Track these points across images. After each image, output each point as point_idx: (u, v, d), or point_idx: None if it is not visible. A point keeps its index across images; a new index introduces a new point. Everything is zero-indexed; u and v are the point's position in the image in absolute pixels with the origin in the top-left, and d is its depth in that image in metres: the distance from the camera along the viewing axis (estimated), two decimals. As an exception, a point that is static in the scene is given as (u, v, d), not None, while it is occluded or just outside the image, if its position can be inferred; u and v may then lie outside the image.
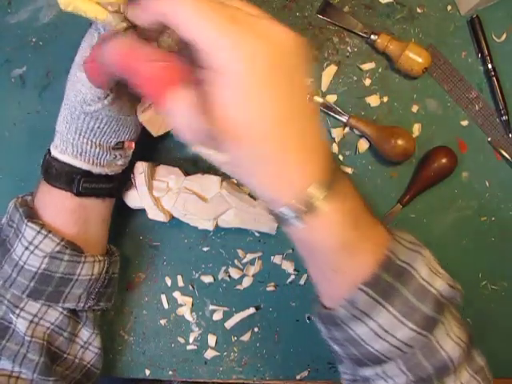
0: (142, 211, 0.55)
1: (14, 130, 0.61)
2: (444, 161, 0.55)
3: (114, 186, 0.51)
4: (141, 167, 0.53)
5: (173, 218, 0.55)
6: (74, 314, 0.50)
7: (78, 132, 0.46)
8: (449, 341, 0.37)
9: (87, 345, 0.51)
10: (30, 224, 0.46)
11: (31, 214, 0.47)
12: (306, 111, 0.33)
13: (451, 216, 0.58)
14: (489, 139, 0.58)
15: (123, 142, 0.49)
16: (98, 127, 0.46)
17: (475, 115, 0.58)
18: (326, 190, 0.33)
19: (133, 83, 0.34)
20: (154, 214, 0.54)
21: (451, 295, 0.38)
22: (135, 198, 0.54)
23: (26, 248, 0.46)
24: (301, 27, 0.60)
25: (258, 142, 0.31)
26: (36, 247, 0.46)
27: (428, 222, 0.58)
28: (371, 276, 0.36)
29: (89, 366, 0.52)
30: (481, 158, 0.58)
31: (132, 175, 0.53)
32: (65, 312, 0.49)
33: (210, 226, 0.54)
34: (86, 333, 0.51)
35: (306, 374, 0.57)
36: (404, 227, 0.58)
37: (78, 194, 0.47)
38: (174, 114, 0.33)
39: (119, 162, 0.50)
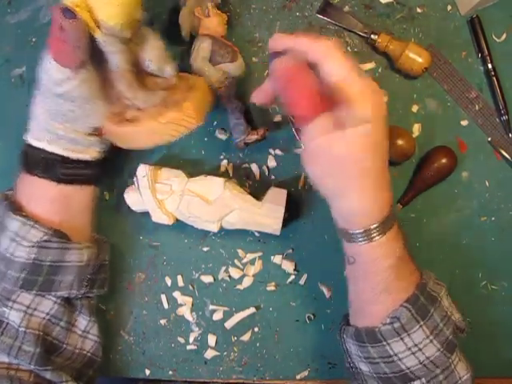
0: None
1: (14, 130, 0.61)
2: (444, 161, 0.55)
3: (95, 172, 0.51)
4: (144, 170, 0.53)
5: (177, 220, 0.55)
6: (68, 303, 0.50)
7: (52, 117, 0.46)
8: (461, 366, 0.44)
9: (85, 333, 0.51)
10: (14, 216, 0.46)
11: (14, 207, 0.48)
12: (385, 166, 0.42)
13: (451, 216, 0.58)
14: (489, 139, 0.58)
15: (98, 129, 0.49)
16: (72, 111, 0.46)
17: (475, 115, 0.58)
18: (387, 227, 0.43)
19: (288, 95, 0.41)
20: (158, 217, 0.54)
21: (463, 327, 0.46)
22: (138, 201, 0.54)
23: (13, 240, 0.46)
24: (301, 27, 0.60)
25: (355, 170, 0.41)
26: (23, 238, 0.46)
27: (428, 222, 0.58)
28: (412, 296, 0.43)
29: (89, 354, 0.52)
30: (481, 157, 0.58)
31: (135, 178, 0.53)
32: (58, 301, 0.49)
33: (214, 228, 0.54)
34: (83, 321, 0.51)
35: (306, 373, 0.57)
36: (404, 227, 0.58)
37: (58, 180, 0.48)
38: (311, 132, 0.41)
39: (96, 149, 0.50)
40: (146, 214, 0.55)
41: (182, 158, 0.59)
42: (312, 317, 0.57)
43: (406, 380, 0.44)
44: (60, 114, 0.46)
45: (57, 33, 0.41)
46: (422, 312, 0.43)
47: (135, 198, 0.54)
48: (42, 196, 0.48)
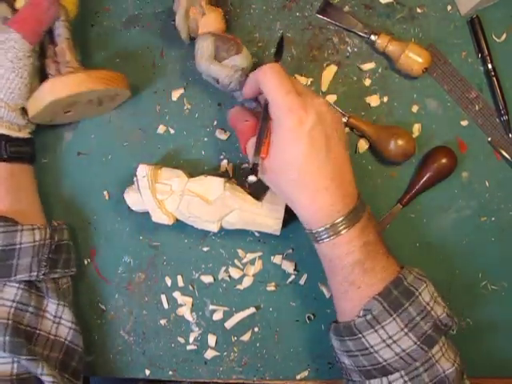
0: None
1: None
2: (444, 161, 0.55)
3: (32, 150, 0.54)
4: (144, 170, 0.53)
5: (177, 220, 0.55)
6: (34, 288, 0.50)
7: None
8: (445, 360, 0.44)
9: (58, 319, 0.51)
10: None
11: None
12: (339, 162, 0.46)
13: (451, 216, 0.58)
14: (489, 139, 0.58)
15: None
16: (19, 88, 0.50)
17: (475, 115, 0.58)
18: (351, 222, 0.45)
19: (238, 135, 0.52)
20: (158, 217, 0.54)
21: (448, 323, 0.46)
22: (138, 201, 0.54)
23: None
24: (301, 27, 0.60)
25: (287, 180, 0.46)
26: None
27: (428, 222, 0.58)
28: (384, 289, 0.45)
29: (67, 342, 0.51)
30: (481, 157, 0.58)
31: (135, 178, 0.53)
32: (22, 286, 0.49)
33: (214, 228, 0.54)
34: (52, 305, 0.51)
35: (306, 374, 0.57)
36: (404, 227, 0.58)
37: (9, 158, 0.50)
38: (248, 153, 0.49)
39: (28, 129, 0.53)
40: (146, 214, 0.54)
41: (182, 158, 0.59)
42: (312, 317, 0.57)
43: (384, 372, 0.45)
44: (8, 90, 0.49)
45: (34, 10, 0.49)
46: (395, 305, 0.44)
47: (135, 198, 0.54)
48: None
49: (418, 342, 0.43)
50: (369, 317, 0.44)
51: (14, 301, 0.48)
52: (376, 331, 0.44)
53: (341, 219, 0.45)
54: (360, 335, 0.45)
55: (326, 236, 0.45)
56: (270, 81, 0.45)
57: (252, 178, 0.46)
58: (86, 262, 0.58)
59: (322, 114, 0.45)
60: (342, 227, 0.45)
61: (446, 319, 0.45)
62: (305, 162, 0.44)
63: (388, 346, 0.44)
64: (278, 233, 0.54)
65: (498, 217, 0.58)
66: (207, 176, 0.54)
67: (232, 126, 0.53)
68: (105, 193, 0.59)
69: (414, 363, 0.44)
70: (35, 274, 0.49)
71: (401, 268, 0.48)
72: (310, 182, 0.45)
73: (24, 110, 0.51)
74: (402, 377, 0.44)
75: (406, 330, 0.43)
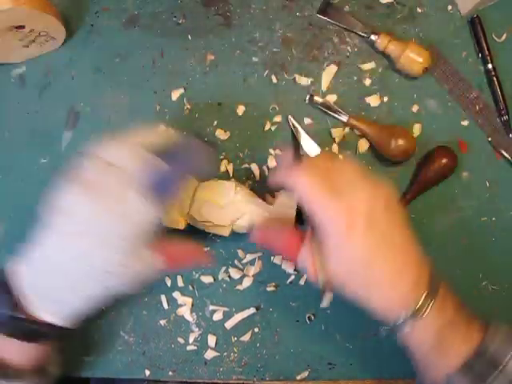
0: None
1: (13, 130, 0.61)
2: (444, 161, 0.55)
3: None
4: None
5: (188, 225, 0.55)
6: None
7: (89, 299, 0.43)
8: None
9: None
10: None
11: None
12: (405, 248, 0.42)
13: (451, 216, 0.58)
14: (489, 139, 0.58)
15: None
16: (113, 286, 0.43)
17: (475, 115, 0.58)
18: (431, 300, 0.40)
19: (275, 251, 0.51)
20: (170, 222, 0.53)
21: None
22: None
23: None
24: (301, 27, 0.60)
25: (357, 282, 0.42)
26: None
27: (428, 222, 0.58)
28: (463, 366, 0.39)
29: None
30: (481, 157, 0.58)
31: None
32: None
33: (225, 233, 0.53)
34: None
35: (306, 374, 0.57)
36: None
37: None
38: (303, 267, 0.45)
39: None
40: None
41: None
42: (312, 317, 0.57)
43: None
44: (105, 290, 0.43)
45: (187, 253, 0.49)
46: (477, 382, 0.38)
47: None
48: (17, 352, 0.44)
49: None
50: None
51: None
52: None
53: (418, 305, 0.40)
54: None
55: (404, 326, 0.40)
56: (306, 194, 0.41)
57: (327, 300, 0.44)
58: (85, 262, 0.58)
59: (371, 209, 0.40)
60: (418, 312, 0.40)
61: None
62: (367, 264, 0.40)
63: None
64: None
65: (498, 217, 0.58)
66: (218, 180, 0.54)
67: (266, 245, 0.49)
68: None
69: None
70: None
71: (486, 329, 0.41)
72: (380, 280, 0.41)
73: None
74: None
75: None
